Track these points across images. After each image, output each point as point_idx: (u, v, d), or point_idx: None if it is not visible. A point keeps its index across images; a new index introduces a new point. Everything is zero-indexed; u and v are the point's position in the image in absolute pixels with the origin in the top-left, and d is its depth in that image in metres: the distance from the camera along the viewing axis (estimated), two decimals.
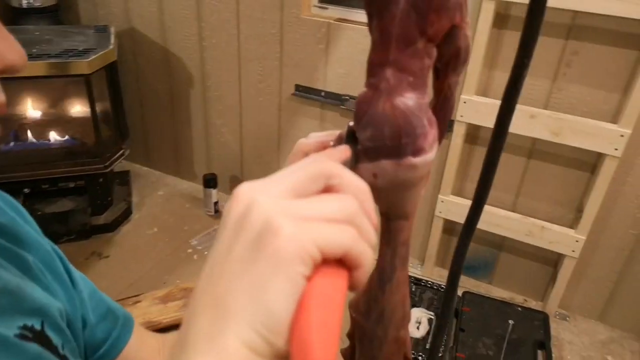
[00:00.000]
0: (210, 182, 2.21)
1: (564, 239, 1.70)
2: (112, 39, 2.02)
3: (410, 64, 0.34)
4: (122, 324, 0.61)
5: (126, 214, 2.19)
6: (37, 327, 0.45)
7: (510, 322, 1.72)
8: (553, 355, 1.66)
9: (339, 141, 0.40)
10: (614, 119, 1.58)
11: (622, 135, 1.53)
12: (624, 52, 1.52)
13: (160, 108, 2.39)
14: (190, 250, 2.04)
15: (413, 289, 1.84)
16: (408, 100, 0.35)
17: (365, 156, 0.37)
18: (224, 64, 2.13)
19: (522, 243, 1.77)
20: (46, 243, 0.54)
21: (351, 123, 0.38)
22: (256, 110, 2.16)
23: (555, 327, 1.78)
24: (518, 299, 1.90)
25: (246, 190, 0.29)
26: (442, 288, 1.83)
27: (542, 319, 1.77)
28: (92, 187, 2.08)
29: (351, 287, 0.29)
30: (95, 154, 2.04)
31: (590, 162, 1.67)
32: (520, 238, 1.75)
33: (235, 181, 2.37)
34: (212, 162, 2.39)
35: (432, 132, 0.36)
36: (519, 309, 1.79)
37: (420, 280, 1.88)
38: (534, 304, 1.88)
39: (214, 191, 2.21)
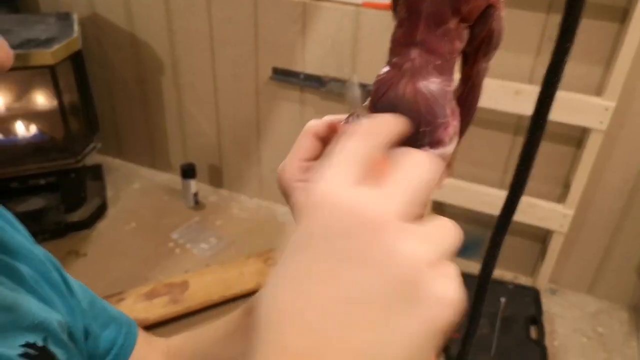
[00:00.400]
0: (188, 172, 2.13)
1: (552, 215, 1.70)
2: (76, 27, 1.91)
3: (439, 45, 0.31)
4: (126, 331, 0.57)
5: (101, 210, 2.10)
6: (40, 343, 0.42)
7: (502, 299, 1.72)
8: (545, 330, 1.67)
9: (350, 119, 0.37)
10: (598, 92, 1.57)
11: (606, 109, 1.52)
12: (605, 25, 1.50)
13: (131, 97, 2.29)
14: (171, 244, 1.97)
15: None
16: (432, 84, 0.32)
17: None
18: (195, 49, 2.04)
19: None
20: (39, 251, 0.50)
21: (365, 104, 0.35)
22: (233, 95, 2.08)
23: (546, 302, 1.79)
24: (508, 275, 1.91)
25: (362, 205, 0.24)
26: None
27: (533, 294, 1.77)
28: (64, 183, 1.99)
29: None
30: (65, 149, 1.94)
31: (576, 137, 1.66)
32: None
33: (214, 170, 2.30)
34: (188, 152, 2.31)
35: (454, 124, 0.34)
36: (510, 286, 1.79)
37: None
38: (524, 280, 1.89)
39: (192, 182, 2.14)
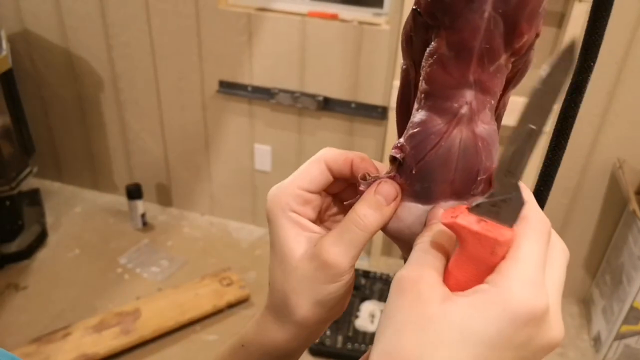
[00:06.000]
0: (134, 192, 2.04)
1: None
2: (4, 44, 1.79)
3: (493, 84, 0.28)
4: None
5: (41, 238, 1.97)
6: None
7: None
8: None
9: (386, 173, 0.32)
10: None
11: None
12: (544, 29, 1.55)
13: (69, 116, 2.17)
14: (119, 270, 1.88)
15: (363, 282, 1.81)
16: (489, 127, 0.29)
17: (415, 197, 0.31)
18: (136, 63, 1.96)
19: None
20: None
21: (396, 154, 0.31)
22: (178, 110, 2.01)
23: None
24: None
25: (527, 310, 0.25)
26: (391, 278, 1.82)
27: None
28: None
29: None
30: None
31: None
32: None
33: (162, 189, 2.21)
34: (134, 171, 2.21)
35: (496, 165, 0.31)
36: None
37: (368, 272, 1.84)
38: None
39: (139, 202, 2.04)
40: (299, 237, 0.33)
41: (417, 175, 0.30)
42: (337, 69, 1.74)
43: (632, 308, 1.53)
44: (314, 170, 0.34)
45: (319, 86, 1.78)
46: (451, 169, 0.29)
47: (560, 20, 1.52)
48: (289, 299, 0.33)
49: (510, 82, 0.31)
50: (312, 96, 1.79)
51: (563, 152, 0.34)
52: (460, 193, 0.30)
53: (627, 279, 1.56)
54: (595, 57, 0.30)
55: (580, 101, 0.32)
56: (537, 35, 0.29)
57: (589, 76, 0.31)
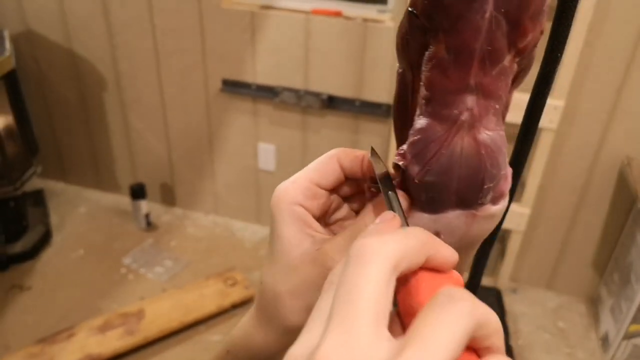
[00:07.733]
0: (138, 192, 2.03)
1: (509, 215, 1.71)
2: (8, 45, 1.79)
3: (497, 87, 0.27)
4: None
5: (45, 238, 1.97)
6: None
7: None
8: (510, 329, 1.69)
9: (374, 180, 0.31)
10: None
11: (555, 108, 1.55)
12: (549, 25, 1.53)
13: (72, 116, 2.17)
14: (124, 270, 1.87)
15: None
16: (493, 133, 0.27)
17: (421, 207, 0.29)
18: (139, 62, 1.95)
19: None
20: None
21: (399, 161, 0.29)
22: (181, 109, 2.01)
23: (508, 301, 1.81)
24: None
25: None
26: None
27: (495, 294, 1.79)
28: (3, 212, 1.85)
29: None
30: (2, 175, 1.81)
31: None
32: None
33: (165, 188, 2.20)
34: (137, 171, 2.21)
35: (509, 171, 0.30)
36: None
37: None
38: (485, 281, 1.90)
39: (143, 202, 2.04)
40: (301, 234, 0.31)
41: (420, 185, 0.28)
42: (341, 66, 1.73)
43: None
44: (326, 165, 0.33)
45: (323, 84, 1.77)
46: (454, 178, 0.28)
47: None
48: (282, 301, 0.31)
49: (514, 82, 0.30)
50: (316, 94, 1.77)
51: (531, 144, 0.33)
52: (467, 202, 0.28)
53: (636, 278, 1.54)
54: (563, 48, 0.29)
55: (547, 92, 0.31)
56: (541, 33, 0.27)
57: (556, 67, 0.30)
